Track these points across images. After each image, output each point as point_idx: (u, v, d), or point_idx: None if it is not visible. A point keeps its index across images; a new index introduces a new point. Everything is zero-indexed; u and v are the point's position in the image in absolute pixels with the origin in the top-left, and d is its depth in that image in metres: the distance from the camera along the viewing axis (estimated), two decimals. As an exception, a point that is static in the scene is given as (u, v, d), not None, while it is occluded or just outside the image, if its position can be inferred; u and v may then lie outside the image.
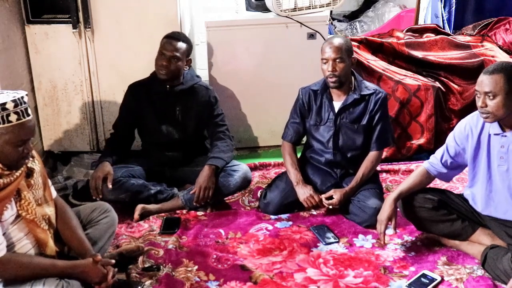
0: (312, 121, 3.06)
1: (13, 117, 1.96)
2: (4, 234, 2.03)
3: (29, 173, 2.13)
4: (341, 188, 2.97)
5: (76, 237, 2.27)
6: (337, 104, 2.99)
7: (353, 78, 3.00)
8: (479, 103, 2.34)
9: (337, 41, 2.90)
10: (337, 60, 2.86)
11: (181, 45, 3.08)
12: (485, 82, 2.31)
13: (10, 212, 2.05)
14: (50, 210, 2.22)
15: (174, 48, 3.05)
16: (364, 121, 2.98)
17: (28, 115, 2.01)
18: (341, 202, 2.92)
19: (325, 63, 2.90)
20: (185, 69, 3.14)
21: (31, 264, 2.06)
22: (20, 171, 2.06)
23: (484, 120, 2.40)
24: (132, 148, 3.34)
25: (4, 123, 1.95)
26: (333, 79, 2.89)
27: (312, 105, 3.05)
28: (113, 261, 2.26)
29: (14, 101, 1.96)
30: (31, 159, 2.15)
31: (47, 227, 2.18)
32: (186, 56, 3.12)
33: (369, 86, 3.01)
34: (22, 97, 2.00)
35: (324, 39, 3.72)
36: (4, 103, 1.94)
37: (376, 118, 2.97)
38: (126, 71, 3.52)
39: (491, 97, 2.30)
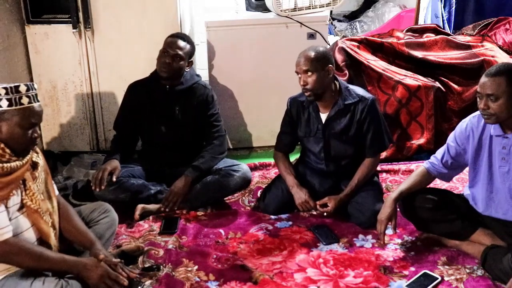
0: (301, 133, 3.01)
1: (25, 100, 2.06)
2: (10, 220, 2.05)
3: (34, 166, 2.18)
4: (336, 195, 2.92)
5: (80, 230, 2.30)
6: (324, 116, 2.92)
7: (338, 85, 2.91)
8: (481, 105, 2.33)
9: (309, 52, 2.80)
10: (308, 73, 2.78)
11: (185, 45, 3.09)
12: (487, 84, 2.29)
13: (16, 199, 2.08)
14: (52, 206, 2.24)
15: (178, 47, 3.06)
16: (352, 131, 2.90)
17: (38, 100, 2.13)
18: (335, 209, 2.90)
19: (299, 76, 2.84)
20: (186, 70, 3.14)
21: (42, 254, 2.08)
22: (26, 159, 2.11)
23: (486, 122, 2.38)
24: (132, 148, 3.34)
25: (16, 105, 2.04)
26: (307, 93, 2.82)
27: (300, 116, 2.99)
28: (117, 260, 2.26)
29: (26, 85, 2.07)
30: (35, 154, 2.19)
31: (50, 221, 2.20)
32: (189, 57, 3.12)
33: (354, 94, 2.89)
34: (33, 84, 2.12)
35: (324, 39, 3.74)
36: (18, 86, 2.04)
37: (366, 126, 2.89)
38: (126, 71, 3.52)
39: (493, 99, 2.28)
